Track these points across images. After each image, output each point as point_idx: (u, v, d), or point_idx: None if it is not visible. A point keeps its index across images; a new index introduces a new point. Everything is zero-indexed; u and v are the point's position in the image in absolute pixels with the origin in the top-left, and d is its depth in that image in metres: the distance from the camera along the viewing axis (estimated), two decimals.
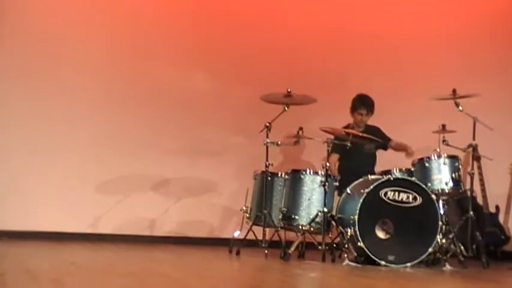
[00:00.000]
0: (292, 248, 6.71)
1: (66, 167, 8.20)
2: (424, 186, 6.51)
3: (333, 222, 6.72)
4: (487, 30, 8.48)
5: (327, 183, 6.69)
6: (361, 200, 6.40)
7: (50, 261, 6.13)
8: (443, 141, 6.77)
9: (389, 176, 6.58)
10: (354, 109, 7.47)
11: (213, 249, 7.71)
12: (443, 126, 6.80)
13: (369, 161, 7.42)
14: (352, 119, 7.51)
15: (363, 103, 7.43)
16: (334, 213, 6.76)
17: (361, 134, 7.00)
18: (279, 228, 7.00)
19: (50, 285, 4.52)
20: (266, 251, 6.84)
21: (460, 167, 6.80)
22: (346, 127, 7.34)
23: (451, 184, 6.70)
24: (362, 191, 6.47)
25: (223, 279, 5.46)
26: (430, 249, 6.41)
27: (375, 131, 7.46)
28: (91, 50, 8.34)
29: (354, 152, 7.17)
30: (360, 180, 6.76)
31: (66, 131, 8.25)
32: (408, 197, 6.46)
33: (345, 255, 6.46)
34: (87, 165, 8.24)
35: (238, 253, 7.05)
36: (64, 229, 8.05)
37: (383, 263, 6.32)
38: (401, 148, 7.51)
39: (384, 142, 7.48)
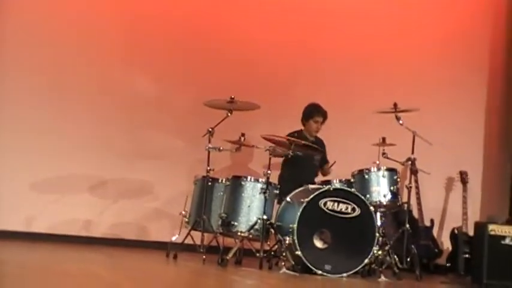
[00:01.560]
0: (230, 254, 6.71)
1: (1, 164, 8.02)
2: (363, 197, 6.58)
3: (272, 230, 6.73)
4: (431, 49, 8.61)
5: (267, 191, 6.71)
6: (300, 209, 6.43)
7: None
8: (383, 154, 6.88)
9: (329, 186, 6.64)
10: (309, 117, 7.43)
11: (150, 253, 7.65)
12: (383, 139, 6.90)
13: (312, 172, 7.44)
14: (304, 127, 7.49)
15: (319, 111, 7.41)
16: (273, 221, 6.78)
17: (303, 142, 6.98)
18: (218, 234, 7.00)
19: None
20: (204, 256, 6.82)
21: (399, 180, 6.92)
22: (293, 134, 7.29)
23: (389, 197, 6.80)
24: (302, 200, 6.50)
25: (159, 282, 5.42)
26: (366, 260, 6.47)
27: (322, 144, 7.49)
28: (35, 50, 8.19)
29: (299, 162, 7.20)
30: (300, 189, 6.80)
31: (2, 128, 8.07)
32: (347, 208, 6.52)
33: (282, 263, 6.49)
34: (23, 163, 8.08)
35: (175, 257, 7.01)
36: None
37: (319, 272, 6.35)
38: (327, 172, 7.50)
39: (323, 160, 7.52)
